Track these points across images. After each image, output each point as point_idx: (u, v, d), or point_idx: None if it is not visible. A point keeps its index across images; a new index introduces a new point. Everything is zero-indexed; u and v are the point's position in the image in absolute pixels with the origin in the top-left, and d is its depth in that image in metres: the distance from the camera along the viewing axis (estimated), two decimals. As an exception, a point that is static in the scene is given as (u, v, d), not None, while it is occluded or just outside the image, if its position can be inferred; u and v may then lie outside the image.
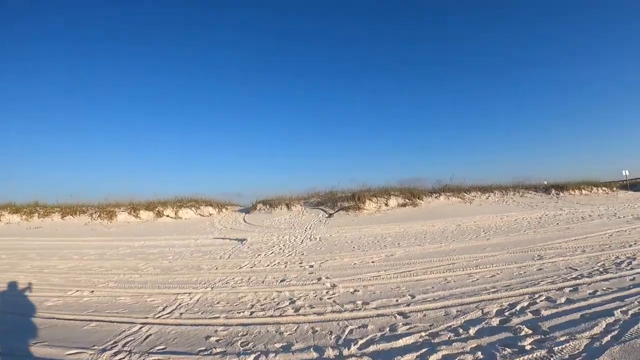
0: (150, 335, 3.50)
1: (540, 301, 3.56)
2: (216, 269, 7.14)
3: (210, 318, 4.01)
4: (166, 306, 4.52)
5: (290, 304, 4.54)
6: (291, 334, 3.40)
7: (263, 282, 5.85)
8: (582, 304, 3.31)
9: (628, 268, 4.53)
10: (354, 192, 18.20)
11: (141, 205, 19.35)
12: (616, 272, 4.36)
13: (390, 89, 66.01)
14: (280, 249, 9.07)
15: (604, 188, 19.64)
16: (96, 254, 9.23)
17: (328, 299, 4.64)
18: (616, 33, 58.23)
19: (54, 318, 4.14)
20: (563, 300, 3.51)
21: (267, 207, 19.77)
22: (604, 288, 3.74)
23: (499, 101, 63.30)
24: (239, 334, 3.46)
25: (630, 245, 6.05)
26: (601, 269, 4.64)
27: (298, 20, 64.86)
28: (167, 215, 19.16)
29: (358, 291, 4.86)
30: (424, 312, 3.73)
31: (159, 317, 4.08)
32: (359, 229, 11.90)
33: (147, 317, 4.06)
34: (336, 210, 17.49)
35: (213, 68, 63.12)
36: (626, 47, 57.37)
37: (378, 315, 3.79)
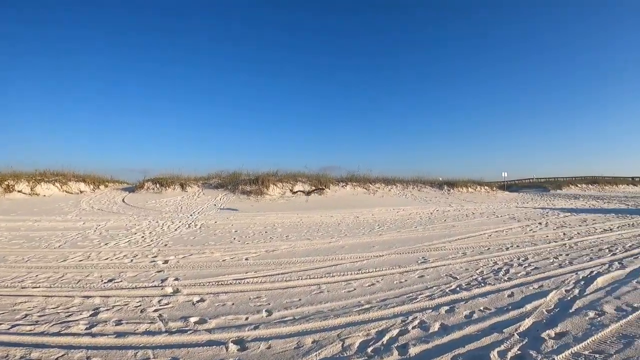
0: None
1: (413, 328, 2.79)
2: (25, 261, 5.16)
3: None
4: None
5: (90, 316, 3.15)
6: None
7: (79, 282, 4.24)
8: (456, 335, 2.61)
9: (505, 278, 4.19)
10: (258, 176, 16.81)
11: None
12: (494, 284, 3.95)
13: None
14: (143, 237, 7.31)
15: (486, 187, 21.96)
16: None
17: (154, 311, 3.36)
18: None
19: None
20: (437, 326, 2.80)
21: (157, 186, 17.17)
22: (482, 308, 3.17)
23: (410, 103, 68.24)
24: None
25: (507, 249, 6.03)
26: (479, 279, 4.23)
27: None
28: (20, 191, 15.16)
29: (204, 301, 3.66)
30: (270, 341, 2.68)
31: None
32: (252, 217, 10.65)
33: None
34: (237, 194, 15.93)
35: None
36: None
37: (205, 344, 2.62)
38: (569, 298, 3.38)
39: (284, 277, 4.51)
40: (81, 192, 16.64)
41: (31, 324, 2.98)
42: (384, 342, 2.56)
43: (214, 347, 2.62)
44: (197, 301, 3.66)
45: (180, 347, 2.60)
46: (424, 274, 4.59)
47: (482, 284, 3.98)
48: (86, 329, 2.92)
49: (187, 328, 2.98)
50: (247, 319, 3.19)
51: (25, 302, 3.52)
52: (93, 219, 10.02)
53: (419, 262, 5.26)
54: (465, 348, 2.36)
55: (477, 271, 4.61)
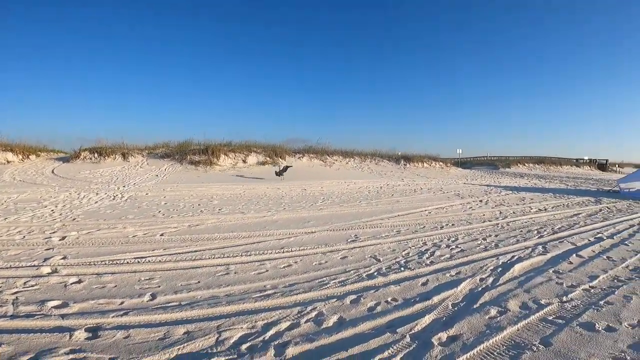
0: None
1: (306, 322, 2.43)
2: None
3: None
4: None
5: None
6: None
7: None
8: (346, 333, 2.28)
9: (428, 262, 3.97)
10: (208, 145, 15.83)
11: None
12: (413, 269, 3.70)
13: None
14: (52, 210, 6.45)
15: (440, 163, 22.40)
16: None
17: (12, 294, 2.79)
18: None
19: None
20: (332, 321, 2.45)
21: (96, 155, 15.73)
22: (389, 299, 2.88)
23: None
24: None
25: (442, 227, 5.91)
26: (402, 262, 3.99)
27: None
28: None
29: (80, 282, 3.14)
30: (132, 330, 2.24)
31: None
32: (192, 188, 9.92)
33: None
34: (184, 164, 14.94)
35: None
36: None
37: (49, 330, 2.16)
38: (479, 289, 3.15)
39: (194, 256, 4.03)
40: (8, 162, 14.86)
41: None
42: (265, 338, 2.19)
43: (57, 334, 2.15)
44: (72, 283, 3.12)
45: (10, 333, 2.09)
46: (348, 254, 4.29)
47: (402, 269, 3.73)
48: None
49: (38, 313, 2.46)
50: (121, 303, 2.71)
51: None
52: (7, 190, 8.84)
53: (349, 240, 4.97)
54: (348, 352, 2.03)
55: (404, 252, 4.39)
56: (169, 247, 4.36)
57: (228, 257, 4.05)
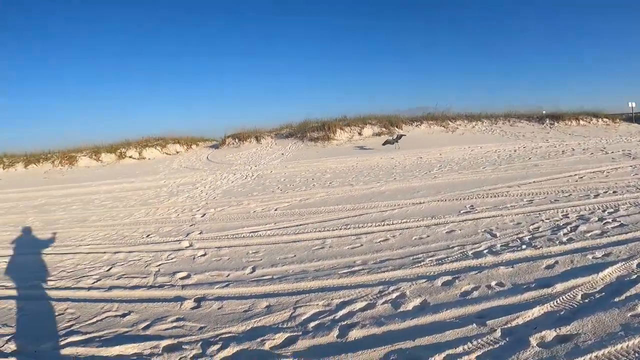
0: None
1: (384, 303, 2.25)
2: (99, 220, 6.02)
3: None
4: None
5: (104, 271, 3.52)
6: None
7: (124, 238, 4.74)
8: (423, 320, 1.96)
9: (564, 239, 3.10)
10: (324, 122, 16.42)
11: (103, 148, 18.00)
12: (539, 247, 2.93)
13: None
14: (201, 191, 7.88)
15: (605, 119, 17.26)
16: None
17: (157, 266, 3.54)
18: None
19: None
20: (412, 305, 2.17)
21: (236, 141, 18.30)
22: (493, 284, 2.32)
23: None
24: None
25: (596, 196, 4.58)
26: (526, 238, 3.23)
27: None
28: (130, 157, 17.88)
29: (204, 255, 3.71)
30: (225, 301, 2.54)
31: None
32: (309, 163, 10.52)
33: None
34: (305, 141, 15.99)
35: None
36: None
37: (169, 300, 2.64)
38: (632, 277, 2.26)
39: (297, 230, 4.28)
40: (177, 152, 18.82)
41: (56, 280, 3.39)
42: (335, 318, 2.14)
43: (173, 303, 2.60)
44: (200, 255, 3.72)
45: (143, 302, 2.64)
46: (456, 228, 3.80)
47: (523, 247, 3.06)
48: (93, 282, 3.21)
49: (167, 283, 3.03)
50: (227, 275, 3.10)
51: (69, 259, 4.03)
52: (174, 176, 11.24)
53: (462, 212, 4.40)
54: (414, 342, 1.77)
55: (532, 226, 3.60)
56: (279, 221, 4.75)
57: (327, 230, 4.13)
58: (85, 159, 17.17)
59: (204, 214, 5.64)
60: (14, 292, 3.13)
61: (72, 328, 2.32)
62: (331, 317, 2.15)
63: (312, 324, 2.08)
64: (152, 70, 58.58)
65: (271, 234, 4.25)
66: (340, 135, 15.92)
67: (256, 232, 4.40)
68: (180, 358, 1.83)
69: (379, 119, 16.88)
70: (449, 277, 2.56)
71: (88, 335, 2.19)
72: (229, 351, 1.85)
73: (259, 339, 1.94)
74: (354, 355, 1.68)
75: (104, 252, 4.12)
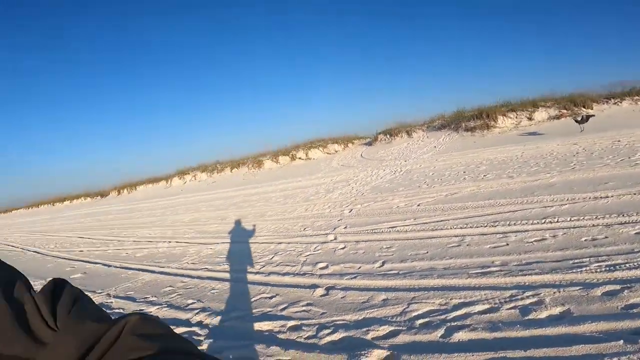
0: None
1: (509, 309, 1.93)
2: (270, 215, 7.41)
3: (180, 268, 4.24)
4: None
5: (268, 259, 4.31)
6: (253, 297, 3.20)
7: (287, 231, 5.71)
8: (554, 330, 1.57)
9: None
10: (482, 109, 14.61)
11: (280, 152, 21.71)
12: None
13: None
14: (352, 188, 8.51)
15: None
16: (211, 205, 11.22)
17: (305, 257, 4.15)
18: None
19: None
20: (548, 313, 1.79)
21: (388, 137, 18.64)
22: None
23: None
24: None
25: None
26: None
27: None
28: (299, 158, 20.86)
29: (343, 249, 4.09)
30: (349, 292, 2.78)
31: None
32: (462, 155, 9.67)
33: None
34: (460, 132, 14.71)
35: None
36: None
37: (305, 287, 3.10)
38: None
39: (435, 226, 4.13)
40: (336, 152, 20.70)
41: (239, 264, 4.47)
42: (446, 318, 2.03)
43: (308, 289, 3.02)
44: (340, 248, 4.12)
45: (287, 287, 3.19)
46: (647, 229, 2.82)
47: None
48: (259, 268, 4.04)
49: (309, 272, 3.53)
50: (358, 268, 3.33)
51: (249, 248, 5.18)
52: (332, 174, 12.48)
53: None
54: (526, 352, 1.47)
55: None
56: (419, 217, 4.68)
57: (470, 227, 3.82)
58: (268, 162, 21.07)
59: (351, 210, 6.11)
60: (208, 273, 4.29)
61: (235, 305, 3.03)
62: (443, 316, 2.07)
63: (420, 321, 2.07)
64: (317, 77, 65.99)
65: (409, 229, 4.26)
66: (503, 122, 13.84)
67: (394, 227, 4.49)
68: (297, 337, 2.18)
69: (557, 100, 13.76)
70: (617, 287, 2.00)
71: (244, 312, 2.83)
72: (336, 336, 2.07)
73: (364, 329, 2.08)
74: (448, 356, 1.60)
75: (271, 243, 5.08)
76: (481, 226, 3.76)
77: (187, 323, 2.77)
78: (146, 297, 3.59)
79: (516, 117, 13.82)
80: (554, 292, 2.08)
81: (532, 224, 3.53)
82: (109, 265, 5.25)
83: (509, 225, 3.62)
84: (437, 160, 10.04)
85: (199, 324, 2.74)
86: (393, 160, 12.43)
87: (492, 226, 3.69)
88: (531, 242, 3.08)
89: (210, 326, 2.66)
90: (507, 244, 3.13)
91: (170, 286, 3.85)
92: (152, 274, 4.46)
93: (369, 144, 19.67)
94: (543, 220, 3.55)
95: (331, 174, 12.41)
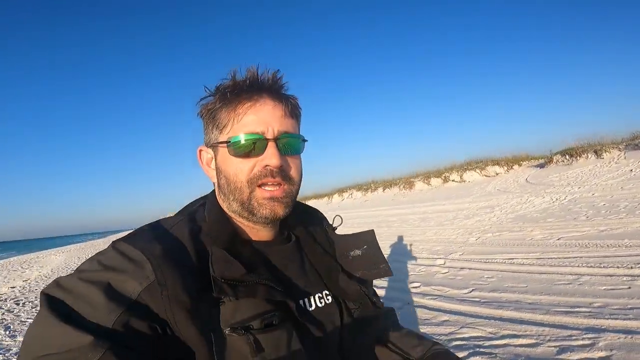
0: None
1: (517, 345, 1.81)
2: (397, 236, 7.74)
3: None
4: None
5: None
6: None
7: (410, 252, 6.00)
8: None
9: None
10: None
11: (432, 173, 21.30)
12: None
13: None
14: (494, 214, 7.88)
15: None
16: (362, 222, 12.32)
17: (410, 275, 4.39)
18: None
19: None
20: (544, 355, 1.60)
21: (567, 157, 15.55)
22: None
23: None
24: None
25: None
26: None
27: None
28: (453, 180, 19.83)
29: (446, 273, 4.19)
30: (420, 309, 2.96)
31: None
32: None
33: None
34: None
35: None
36: None
37: (399, 300, 3.44)
38: None
39: (557, 262, 3.70)
40: (496, 174, 18.59)
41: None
42: (482, 344, 2.05)
43: (385, 301, 3.36)
44: (441, 273, 4.19)
45: None
46: None
47: None
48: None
49: (399, 288, 3.82)
50: (446, 291, 3.45)
51: None
52: (481, 199, 11.53)
53: None
54: None
55: None
56: (548, 251, 4.19)
57: (599, 267, 3.27)
58: (419, 183, 20.89)
59: (478, 237, 5.81)
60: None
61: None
62: (481, 342, 2.09)
63: (456, 343, 2.16)
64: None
65: (526, 262, 3.92)
66: None
67: (512, 259, 4.18)
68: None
69: None
70: None
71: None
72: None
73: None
74: None
75: (395, 261, 5.47)
76: (614, 267, 3.15)
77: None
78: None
79: None
80: (618, 338, 1.80)
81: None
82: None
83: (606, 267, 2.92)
84: (623, 187, 7.92)
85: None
86: (562, 187, 10.44)
87: (628, 267, 3.04)
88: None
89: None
90: (629, 287, 2.61)
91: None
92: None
93: (541, 165, 16.81)
94: None
95: (480, 199, 11.52)
